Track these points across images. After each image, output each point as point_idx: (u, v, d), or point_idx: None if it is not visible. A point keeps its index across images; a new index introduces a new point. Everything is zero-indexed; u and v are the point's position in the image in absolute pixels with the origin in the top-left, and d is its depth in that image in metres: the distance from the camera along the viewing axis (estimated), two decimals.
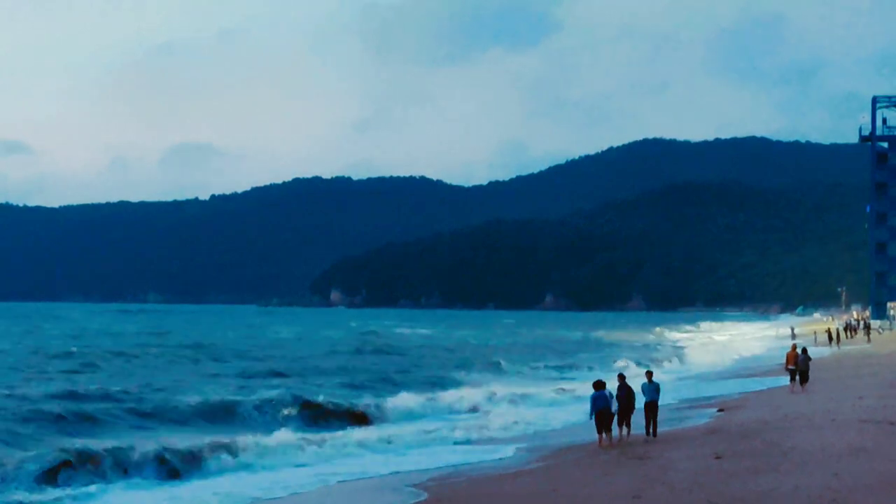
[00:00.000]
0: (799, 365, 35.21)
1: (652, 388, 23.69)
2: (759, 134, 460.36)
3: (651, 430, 23.59)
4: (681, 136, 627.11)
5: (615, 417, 22.92)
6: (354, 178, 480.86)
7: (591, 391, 22.92)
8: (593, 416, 22.57)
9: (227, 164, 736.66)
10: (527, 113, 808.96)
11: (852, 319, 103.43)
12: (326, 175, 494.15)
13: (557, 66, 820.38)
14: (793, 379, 35.37)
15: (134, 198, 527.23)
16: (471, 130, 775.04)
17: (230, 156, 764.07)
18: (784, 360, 37.08)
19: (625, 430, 23.47)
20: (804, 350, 36.62)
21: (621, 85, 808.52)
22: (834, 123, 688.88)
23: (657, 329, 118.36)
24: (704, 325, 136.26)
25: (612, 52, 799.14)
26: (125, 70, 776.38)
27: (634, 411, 23.58)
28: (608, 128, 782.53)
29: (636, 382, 24.48)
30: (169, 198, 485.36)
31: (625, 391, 23.15)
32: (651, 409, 23.57)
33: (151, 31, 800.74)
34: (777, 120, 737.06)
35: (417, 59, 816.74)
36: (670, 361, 59.53)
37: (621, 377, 24.05)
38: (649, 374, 24.97)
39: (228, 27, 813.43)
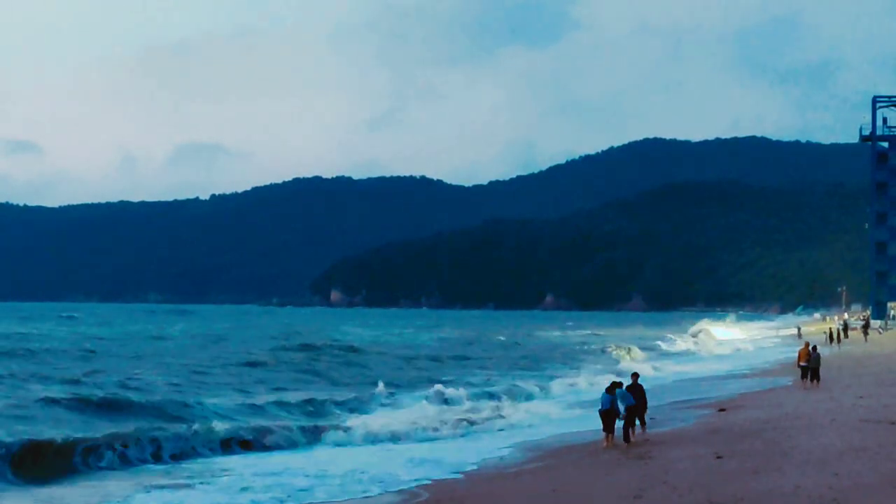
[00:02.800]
0: (811, 362, 35.79)
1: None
2: (759, 133, 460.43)
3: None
4: (683, 136, 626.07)
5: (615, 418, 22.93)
6: (355, 177, 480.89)
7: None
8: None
9: (236, 164, 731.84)
10: (540, 112, 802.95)
11: (850, 319, 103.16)
12: (327, 175, 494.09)
13: (573, 65, 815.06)
14: (804, 376, 35.79)
15: (143, 198, 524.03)
16: (483, 130, 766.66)
17: (239, 156, 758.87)
18: (796, 358, 37.58)
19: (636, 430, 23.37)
20: (814, 348, 37.10)
21: (636, 84, 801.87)
22: (842, 123, 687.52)
23: (663, 331, 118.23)
24: (706, 325, 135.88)
25: (627, 51, 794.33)
26: (133, 68, 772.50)
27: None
28: (621, 128, 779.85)
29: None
30: (176, 198, 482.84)
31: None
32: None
33: (159, 29, 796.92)
34: (785, 120, 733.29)
35: (430, 58, 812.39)
36: (671, 361, 59.54)
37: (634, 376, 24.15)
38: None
39: (240, 26, 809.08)
